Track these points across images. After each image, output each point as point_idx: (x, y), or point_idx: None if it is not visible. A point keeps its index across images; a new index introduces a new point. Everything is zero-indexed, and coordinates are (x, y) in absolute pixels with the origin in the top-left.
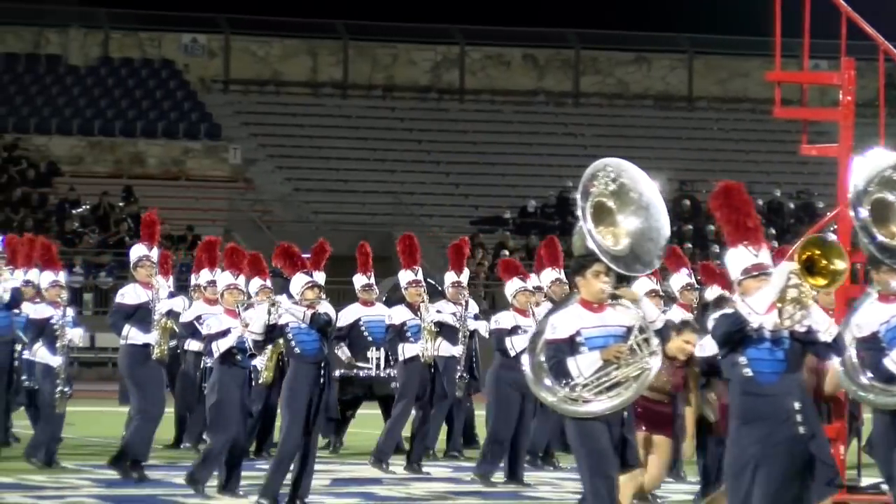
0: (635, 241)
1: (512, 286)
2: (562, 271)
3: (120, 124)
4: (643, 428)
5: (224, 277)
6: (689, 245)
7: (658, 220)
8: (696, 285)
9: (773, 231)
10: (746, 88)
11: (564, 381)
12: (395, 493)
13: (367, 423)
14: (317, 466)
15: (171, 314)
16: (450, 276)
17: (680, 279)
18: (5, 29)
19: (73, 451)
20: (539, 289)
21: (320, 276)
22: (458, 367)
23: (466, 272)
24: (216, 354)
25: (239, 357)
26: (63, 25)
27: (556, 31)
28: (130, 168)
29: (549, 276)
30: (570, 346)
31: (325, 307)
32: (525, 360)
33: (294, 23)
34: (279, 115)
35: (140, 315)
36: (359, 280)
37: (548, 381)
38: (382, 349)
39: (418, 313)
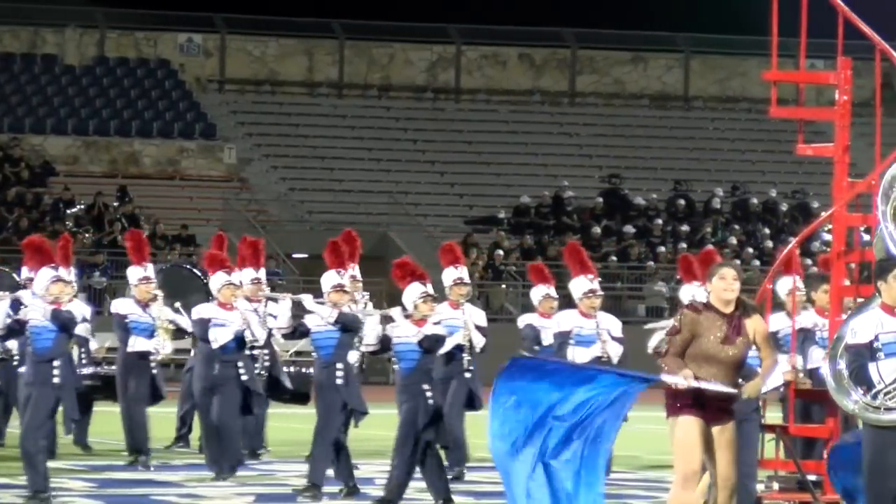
0: None
1: (217, 280)
2: (465, 270)
3: (115, 124)
4: None
5: None
6: (685, 245)
7: None
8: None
9: (768, 231)
10: (743, 88)
11: (865, 388)
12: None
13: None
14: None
15: None
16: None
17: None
18: (1, 28)
19: (68, 452)
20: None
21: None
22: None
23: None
24: None
25: None
26: (59, 25)
27: (552, 31)
28: (126, 168)
29: (450, 275)
30: (870, 351)
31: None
32: (825, 368)
33: (290, 22)
34: (275, 115)
35: None
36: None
37: (849, 388)
38: (75, 347)
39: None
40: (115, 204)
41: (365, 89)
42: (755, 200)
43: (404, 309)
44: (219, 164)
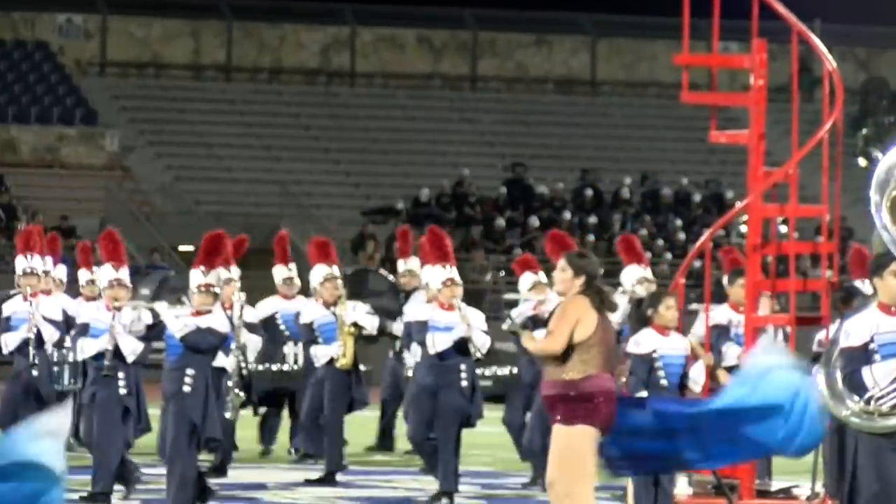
0: None
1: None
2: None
3: None
4: None
5: None
6: (592, 237)
7: None
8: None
9: (680, 222)
10: (653, 72)
11: (860, 394)
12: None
13: None
14: None
15: None
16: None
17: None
18: None
19: None
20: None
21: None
22: None
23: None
24: None
25: None
26: None
27: (452, 12)
28: (2, 155)
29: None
30: (865, 353)
31: None
32: (820, 375)
33: (175, 2)
34: (159, 100)
35: None
36: None
37: (843, 395)
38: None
39: None
40: None
41: (254, 73)
42: (666, 190)
43: None
44: (100, 151)
